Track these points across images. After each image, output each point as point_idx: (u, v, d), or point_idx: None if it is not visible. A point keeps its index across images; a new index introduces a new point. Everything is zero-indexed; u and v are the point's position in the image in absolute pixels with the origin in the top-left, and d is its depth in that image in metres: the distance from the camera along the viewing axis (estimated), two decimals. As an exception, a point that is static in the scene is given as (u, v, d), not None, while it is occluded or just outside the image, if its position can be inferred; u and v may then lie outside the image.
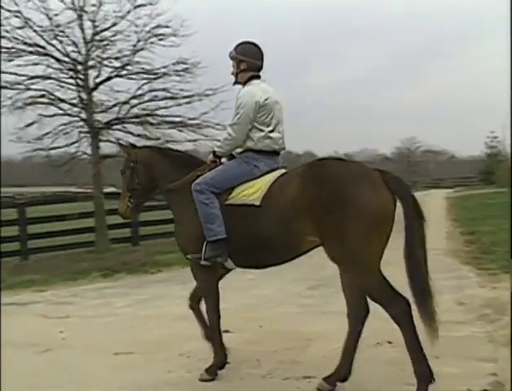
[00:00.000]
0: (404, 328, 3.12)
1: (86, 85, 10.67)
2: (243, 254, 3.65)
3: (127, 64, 10.99)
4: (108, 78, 11.00)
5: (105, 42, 10.85)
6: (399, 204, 3.25)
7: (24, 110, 10.52)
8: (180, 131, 11.23)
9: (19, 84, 10.43)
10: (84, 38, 10.67)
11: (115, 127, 11.11)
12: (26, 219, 10.23)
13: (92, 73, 10.86)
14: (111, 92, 11.09)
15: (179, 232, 3.98)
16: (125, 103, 11.01)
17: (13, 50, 10.27)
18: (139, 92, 11.05)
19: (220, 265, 3.77)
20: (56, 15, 10.32)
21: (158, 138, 11.01)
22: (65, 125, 10.98)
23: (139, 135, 11.05)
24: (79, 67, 10.67)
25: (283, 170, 3.75)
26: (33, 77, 10.54)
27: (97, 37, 10.74)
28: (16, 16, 10.12)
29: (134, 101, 11.01)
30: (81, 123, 10.90)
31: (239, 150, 3.87)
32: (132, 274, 8.15)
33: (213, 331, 3.89)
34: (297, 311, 5.62)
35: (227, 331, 4.66)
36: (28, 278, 8.25)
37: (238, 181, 3.70)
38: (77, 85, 10.77)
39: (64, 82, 10.86)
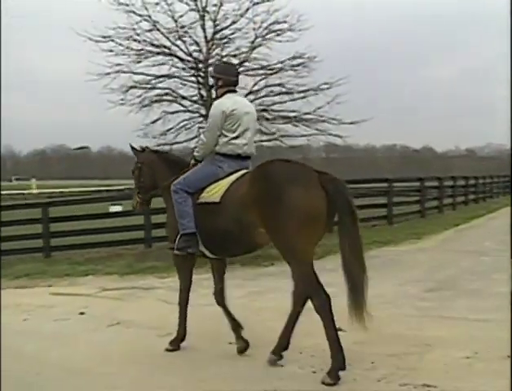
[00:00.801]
0: (325, 319, 3.60)
1: (206, 82, 11.11)
2: (214, 245, 4.18)
3: (245, 61, 11.24)
4: (227, 75, 11.34)
5: (225, 40, 11.20)
6: None
7: (150, 107, 11.25)
8: (295, 126, 11.25)
9: (147, 83, 11.17)
10: (205, 37, 11.10)
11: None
12: (150, 210, 10.88)
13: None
14: (229, 89, 11.43)
15: (166, 226, 4.64)
16: (241, 98, 11.28)
17: (142, 51, 11.01)
18: (256, 88, 11.25)
19: (198, 255, 4.36)
20: (181, 16, 10.88)
21: (273, 133, 11.13)
22: (186, 120, 11.54)
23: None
24: (200, 65, 11.13)
25: (245, 170, 4.19)
26: (158, 77, 11.22)
27: (217, 36, 11.12)
28: (146, 20, 10.83)
29: (251, 97, 11.22)
30: (201, 119, 11.38)
31: None
32: (246, 266, 8.31)
33: (181, 309, 4.58)
34: (415, 314, 5.33)
35: (340, 330, 4.57)
36: (151, 265, 8.83)
37: (206, 180, 4.21)
38: (198, 82, 11.26)
39: (186, 80, 11.41)
